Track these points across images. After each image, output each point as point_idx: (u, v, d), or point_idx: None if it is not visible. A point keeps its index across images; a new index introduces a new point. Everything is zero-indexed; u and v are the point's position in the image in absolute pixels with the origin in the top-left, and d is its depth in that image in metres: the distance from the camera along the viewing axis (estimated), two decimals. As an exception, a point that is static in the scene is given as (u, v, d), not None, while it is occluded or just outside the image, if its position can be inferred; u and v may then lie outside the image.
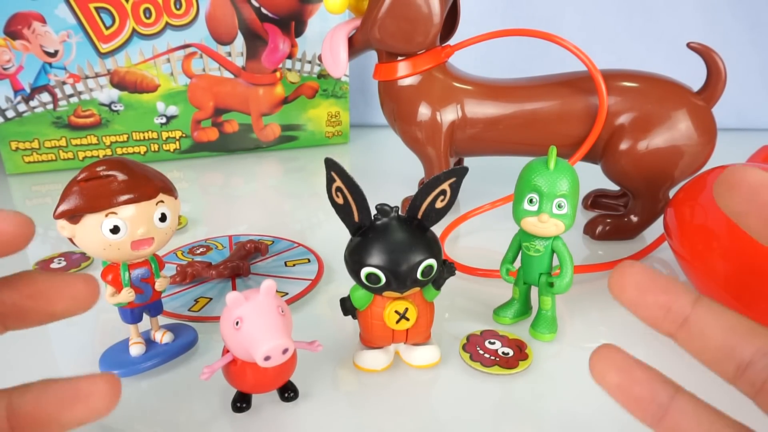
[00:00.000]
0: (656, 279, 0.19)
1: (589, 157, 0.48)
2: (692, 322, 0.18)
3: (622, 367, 0.19)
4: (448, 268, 0.30)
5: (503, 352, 0.33)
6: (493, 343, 0.34)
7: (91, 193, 0.28)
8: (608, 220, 0.49)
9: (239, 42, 0.69)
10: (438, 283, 0.30)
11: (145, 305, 0.32)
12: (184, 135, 0.72)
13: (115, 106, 0.67)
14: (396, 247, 0.28)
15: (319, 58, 0.73)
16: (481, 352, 0.33)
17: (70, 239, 0.29)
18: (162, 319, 0.35)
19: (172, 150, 0.72)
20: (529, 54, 0.79)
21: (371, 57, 0.51)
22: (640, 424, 0.23)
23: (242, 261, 0.42)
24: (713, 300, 0.19)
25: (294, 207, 0.59)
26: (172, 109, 0.70)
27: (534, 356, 0.33)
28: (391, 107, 0.51)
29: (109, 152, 0.69)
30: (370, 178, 0.65)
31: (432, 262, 0.28)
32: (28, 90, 0.64)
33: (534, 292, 0.36)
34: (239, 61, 0.70)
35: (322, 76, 0.75)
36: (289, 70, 0.73)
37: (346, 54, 0.49)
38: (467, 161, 0.58)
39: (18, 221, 0.19)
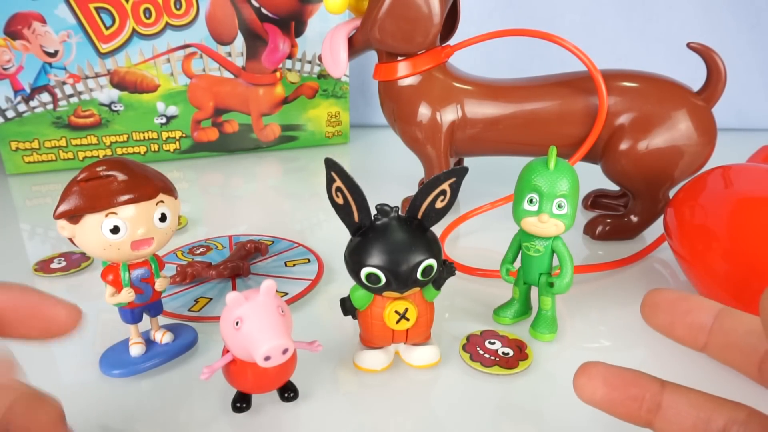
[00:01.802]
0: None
1: (589, 157, 0.48)
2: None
3: (607, 378, 0.20)
4: (448, 268, 0.30)
5: (503, 352, 0.33)
6: (493, 343, 0.34)
7: (91, 193, 0.28)
8: (608, 220, 0.49)
9: (239, 42, 0.69)
10: (438, 283, 0.30)
11: (145, 305, 0.32)
12: (184, 135, 0.72)
13: (115, 106, 0.67)
14: (396, 247, 0.28)
15: (319, 58, 0.73)
16: (481, 352, 0.33)
17: (70, 239, 0.29)
18: (162, 319, 0.35)
19: (172, 150, 0.72)
20: (529, 54, 0.79)
21: (371, 57, 0.51)
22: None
23: (242, 261, 0.42)
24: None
25: (294, 207, 0.59)
26: (172, 109, 0.70)
27: (534, 356, 0.33)
28: (391, 107, 0.51)
29: (109, 152, 0.69)
30: (370, 178, 0.65)
31: (432, 262, 0.28)
32: (28, 90, 0.64)
33: (534, 292, 0.36)
34: (239, 61, 0.70)
35: (322, 76, 0.75)
36: (289, 70, 0.73)
37: (346, 54, 0.49)
38: (467, 161, 0.58)
39: (72, 311, 0.20)
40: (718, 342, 0.19)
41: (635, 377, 0.20)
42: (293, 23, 0.71)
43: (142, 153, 0.70)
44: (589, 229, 0.49)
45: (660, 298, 0.20)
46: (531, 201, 0.32)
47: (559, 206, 0.31)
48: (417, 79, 0.49)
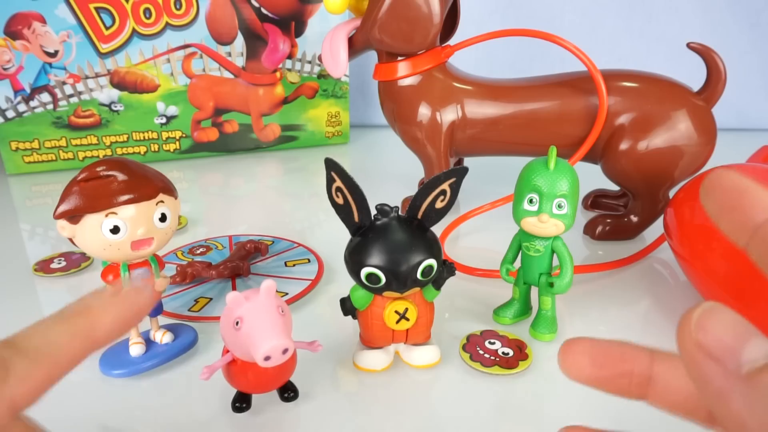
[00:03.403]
0: (608, 348, 0.19)
1: (589, 157, 0.48)
2: (656, 379, 0.18)
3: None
4: (448, 268, 0.30)
5: (503, 352, 0.33)
6: (493, 343, 0.34)
7: (91, 193, 0.28)
8: (608, 220, 0.49)
9: (239, 42, 0.69)
10: (438, 283, 0.30)
11: (145, 305, 0.32)
12: (184, 135, 0.72)
13: (115, 106, 0.67)
14: (396, 247, 0.28)
15: (319, 58, 0.73)
16: (481, 352, 0.33)
17: (70, 239, 0.29)
18: (162, 319, 0.35)
19: (172, 150, 0.72)
20: (529, 54, 0.79)
21: (371, 57, 0.51)
22: (639, 424, 0.23)
23: (242, 261, 0.42)
24: (667, 351, 0.18)
25: (294, 207, 0.59)
26: (172, 109, 0.70)
27: (534, 356, 0.33)
28: (391, 107, 0.51)
29: (109, 152, 0.69)
30: (370, 178, 0.65)
31: (432, 262, 0.28)
32: (28, 90, 0.64)
33: (534, 292, 0.36)
34: (239, 61, 0.70)
35: (322, 76, 0.75)
36: (289, 70, 0.73)
37: (346, 54, 0.49)
38: (467, 161, 0.58)
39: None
40: (659, 389, 0.18)
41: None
42: (293, 23, 0.71)
43: (142, 153, 0.70)
44: (589, 229, 0.49)
45: (580, 351, 0.19)
46: (531, 201, 0.32)
47: (559, 206, 0.31)
48: (417, 79, 0.49)
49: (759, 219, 0.17)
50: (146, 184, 0.29)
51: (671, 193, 0.45)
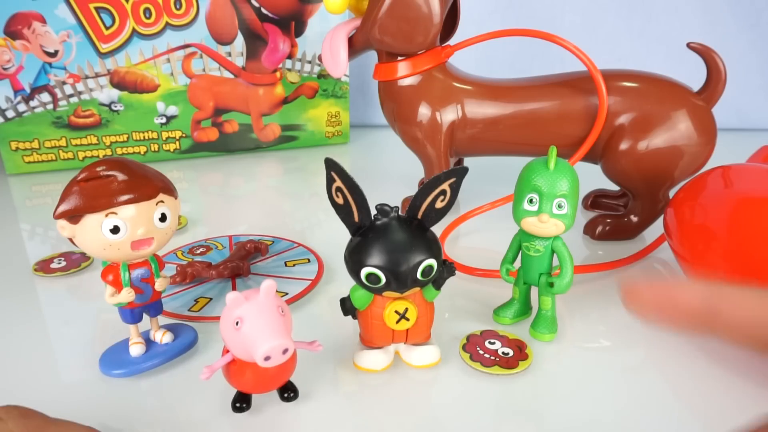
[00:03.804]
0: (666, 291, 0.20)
1: (589, 157, 0.48)
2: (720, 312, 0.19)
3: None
4: (448, 268, 0.30)
5: (503, 352, 0.33)
6: (493, 343, 0.34)
7: (91, 193, 0.28)
8: (608, 220, 0.49)
9: (239, 42, 0.69)
10: (438, 283, 0.30)
11: (145, 305, 0.32)
12: (184, 135, 0.72)
13: (115, 106, 0.67)
14: (396, 247, 0.28)
15: (319, 58, 0.73)
16: (481, 352, 0.33)
17: (70, 239, 0.29)
18: (162, 319, 0.35)
19: (172, 150, 0.72)
20: (529, 54, 0.79)
21: (371, 57, 0.51)
22: (639, 423, 0.23)
23: (242, 261, 0.42)
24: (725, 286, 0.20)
25: (294, 207, 0.59)
26: (172, 109, 0.70)
27: (534, 356, 0.33)
28: (391, 107, 0.51)
29: (109, 152, 0.69)
30: (370, 178, 0.64)
31: (432, 262, 0.28)
32: (28, 90, 0.64)
33: (534, 292, 0.36)
34: (239, 61, 0.70)
35: (322, 76, 0.75)
36: (289, 70, 0.73)
37: (346, 54, 0.49)
38: (467, 161, 0.58)
39: None
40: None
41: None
42: (293, 23, 0.71)
43: (142, 153, 0.70)
44: (589, 229, 0.49)
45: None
46: (531, 201, 0.32)
47: (559, 206, 0.31)
48: (417, 79, 0.49)
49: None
50: (146, 184, 0.29)
51: (671, 193, 0.45)
